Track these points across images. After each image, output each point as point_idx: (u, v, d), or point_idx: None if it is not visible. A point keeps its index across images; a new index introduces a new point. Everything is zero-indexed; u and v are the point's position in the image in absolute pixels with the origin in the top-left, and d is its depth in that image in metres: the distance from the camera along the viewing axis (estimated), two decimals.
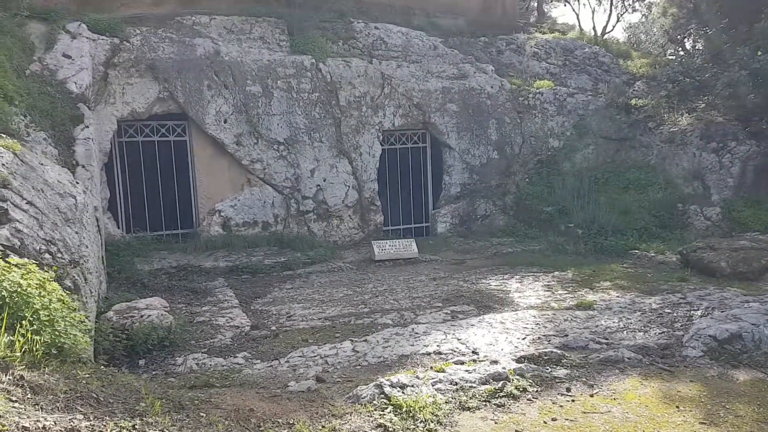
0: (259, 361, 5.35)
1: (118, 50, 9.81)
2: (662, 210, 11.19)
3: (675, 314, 6.51)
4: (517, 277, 8.81)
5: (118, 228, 10.00)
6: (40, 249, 4.16)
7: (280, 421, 3.79)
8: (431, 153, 12.38)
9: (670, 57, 13.53)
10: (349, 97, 11.25)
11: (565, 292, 7.84)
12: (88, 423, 2.91)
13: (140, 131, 10.26)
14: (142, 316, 5.68)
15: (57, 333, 3.55)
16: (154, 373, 5.05)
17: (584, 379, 4.81)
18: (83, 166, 7.99)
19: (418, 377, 4.54)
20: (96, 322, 5.62)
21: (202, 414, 3.62)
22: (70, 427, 2.80)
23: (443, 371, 4.72)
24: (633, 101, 13.20)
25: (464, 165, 12.40)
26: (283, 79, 10.77)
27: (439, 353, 5.39)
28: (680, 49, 17.70)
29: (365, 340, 5.78)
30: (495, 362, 4.94)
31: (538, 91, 13.18)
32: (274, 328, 6.41)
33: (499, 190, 12.70)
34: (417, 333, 5.96)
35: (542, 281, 8.51)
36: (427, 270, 9.55)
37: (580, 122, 13.23)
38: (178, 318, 6.36)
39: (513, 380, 4.62)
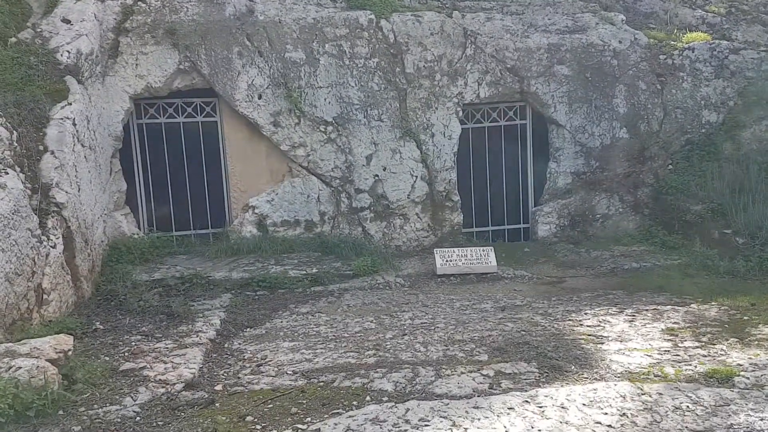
0: None
1: (131, 12, 8.49)
2: None
3: None
4: (630, 311, 6.25)
5: (137, 227, 8.75)
6: None
7: None
8: (532, 132, 9.88)
9: None
10: (418, 62, 9.12)
11: (696, 344, 5.21)
12: None
13: (162, 111, 8.91)
14: (10, 368, 4.10)
15: None
16: None
17: None
18: (52, 152, 6.67)
19: None
20: None
21: None
22: None
23: None
24: None
25: (578, 147, 9.77)
26: (333, 41, 8.89)
27: None
28: None
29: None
30: None
31: (687, 46, 10.13)
32: (219, 387, 4.58)
33: (628, 180, 9.92)
34: (408, 420, 3.81)
35: (666, 321, 5.89)
36: (502, 292, 7.25)
37: (749, 88, 9.99)
38: (92, 364, 4.75)
39: None
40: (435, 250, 8.16)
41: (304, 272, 7.77)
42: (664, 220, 9.63)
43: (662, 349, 5.11)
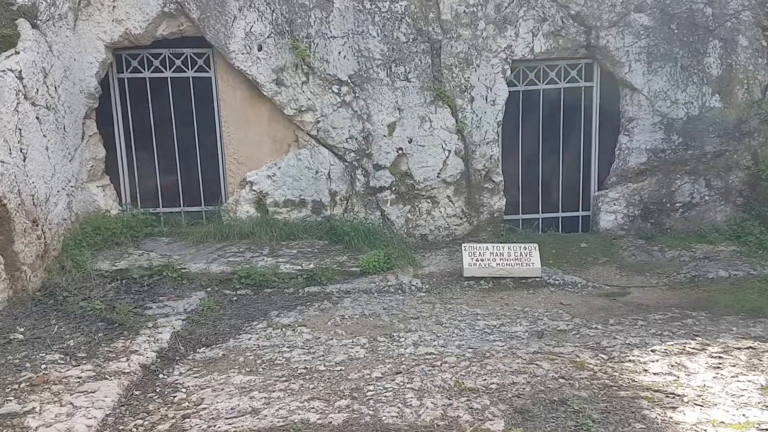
0: None
1: None
2: None
3: None
4: (715, 350, 4.68)
5: (117, 201, 7.66)
6: None
7: None
8: (599, 97, 8.17)
9: None
10: (457, 7, 7.53)
11: None
12: None
13: (147, 64, 7.69)
14: None
15: None
16: None
17: None
18: None
19: None
20: None
21: None
22: None
23: None
24: None
25: (657, 118, 8.02)
26: None
27: None
28: None
29: None
30: None
31: None
32: None
33: (719, 161, 8.13)
34: None
35: (767, 370, 4.31)
36: (543, 306, 5.78)
37: None
38: None
39: None
40: (463, 245, 6.69)
41: (299, 268, 6.49)
42: (762, 213, 7.89)
43: (763, 426, 3.57)
